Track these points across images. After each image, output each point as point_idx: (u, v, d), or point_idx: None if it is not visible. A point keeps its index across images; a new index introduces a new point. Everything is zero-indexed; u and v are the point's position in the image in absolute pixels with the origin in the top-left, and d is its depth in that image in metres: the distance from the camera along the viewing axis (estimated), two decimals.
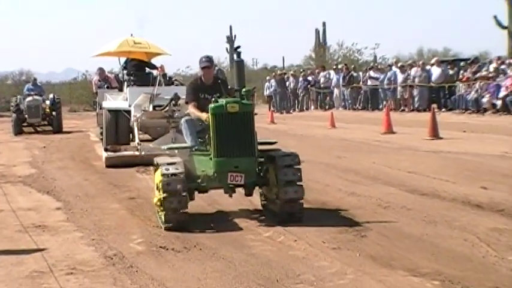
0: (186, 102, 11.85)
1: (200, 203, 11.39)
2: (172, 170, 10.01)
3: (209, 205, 11.85)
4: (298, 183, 10.27)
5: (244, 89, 10.96)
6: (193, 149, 10.92)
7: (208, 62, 11.51)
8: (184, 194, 10.06)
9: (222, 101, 10.46)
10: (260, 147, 10.96)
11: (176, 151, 11.27)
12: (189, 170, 10.48)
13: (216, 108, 10.36)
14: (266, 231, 10.06)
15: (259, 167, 10.90)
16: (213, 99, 10.61)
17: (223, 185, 10.59)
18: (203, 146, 10.95)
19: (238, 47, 11.58)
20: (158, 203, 10.39)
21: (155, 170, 10.87)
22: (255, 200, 11.58)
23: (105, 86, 25.03)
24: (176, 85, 21.59)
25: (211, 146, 10.39)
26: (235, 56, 11.54)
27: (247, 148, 10.43)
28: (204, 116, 10.76)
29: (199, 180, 10.60)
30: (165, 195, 9.93)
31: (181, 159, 10.53)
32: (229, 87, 12.06)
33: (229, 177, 10.32)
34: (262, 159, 10.84)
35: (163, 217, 10.23)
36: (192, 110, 11.29)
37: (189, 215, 10.35)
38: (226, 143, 10.32)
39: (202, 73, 11.60)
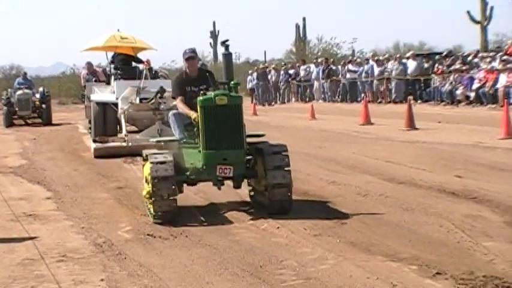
0: (173, 97, 11.59)
1: (187, 193, 11.28)
2: (160, 158, 9.82)
3: (195, 194, 11.81)
4: (285, 168, 10.03)
5: (232, 82, 10.71)
6: (182, 142, 10.65)
7: (192, 53, 11.20)
8: (172, 180, 9.83)
9: (211, 94, 10.17)
10: (248, 139, 10.68)
11: (163, 144, 11.19)
12: (178, 163, 10.21)
13: (204, 101, 10.08)
14: (249, 219, 10.08)
15: (248, 160, 10.64)
16: (201, 92, 10.33)
17: (212, 178, 10.33)
18: (191, 138, 10.60)
19: (227, 40, 11.14)
20: (147, 196, 10.12)
21: (144, 163, 10.64)
22: (240, 191, 11.35)
23: (93, 79, 25.01)
24: (162, 78, 21.75)
25: (200, 139, 10.09)
26: (223, 49, 11.14)
27: (236, 140, 10.14)
28: (192, 115, 10.38)
29: (188, 173, 10.39)
30: (154, 181, 9.67)
31: (170, 154, 10.17)
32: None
33: (218, 170, 10.04)
34: (250, 152, 10.55)
35: (152, 209, 9.96)
36: (180, 105, 10.92)
37: (178, 207, 10.07)
38: (215, 136, 10.02)
39: (186, 65, 11.24)
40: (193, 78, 11.06)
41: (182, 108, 10.78)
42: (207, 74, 11.26)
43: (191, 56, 11.12)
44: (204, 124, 10.00)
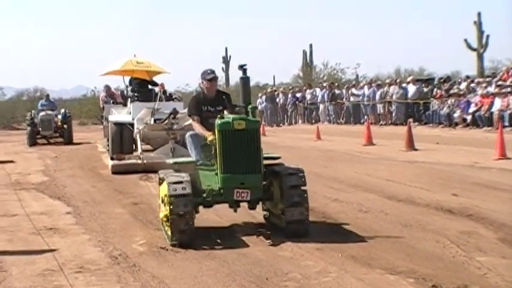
0: (189, 115, 11.03)
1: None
2: (179, 190, 9.14)
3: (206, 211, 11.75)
4: (304, 204, 9.50)
5: (250, 106, 10.10)
6: (198, 164, 10.06)
7: (213, 74, 10.68)
8: (191, 215, 9.29)
9: (229, 118, 9.59)
10: (264, 162, 10.00)
11: (178, 165, 10.53)
12: (195, 184, 9.58)
13: (222, 125, 9.48)
14: (256, 233, 10.07)
15: (264, 183, 9.97)
16: (219, 115, 9.75)
17: (229, 201, 9.78)
18: (207, 160, 9.97)
19: (245, 64, 10.39)
20: (165, 219, 9.63)
21: (160, 183, 10.21)
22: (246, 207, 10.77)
23: (111, 101, 25.48)
24: (175, 101, 22.03)
25: (218, 162, 9.52)
26: (241, 73, 10.40)
27: (254, 165, 9.53)
28: (209, 136, 9.81)
29: (204, 195, 9.70)
30: (172, 216, 9.11)
31: (187, 175, 9.57)
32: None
33: (235, 194, 9.49)
34: (266, 174, 9.90)
35: (169, 231, 9.39)
36: (195, 125, 10.42)
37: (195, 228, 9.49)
38: (233, 160, 9.43)
39: (206, 85, 10.60)
40: (211, 98, 10.58)
41: (198, 128, 10.32)
42: (224, 96, 10.75)
43: (213, 78, 10.68)
44: (222, 148, 9.46)
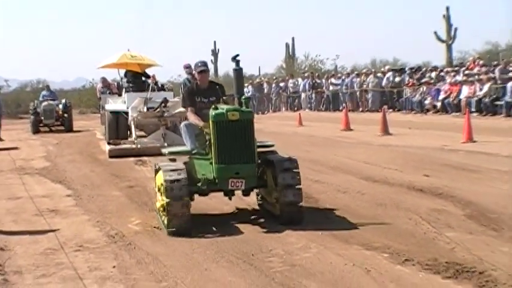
0: (184, 107, 10.68)
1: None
2: (175, 176, 8.70)
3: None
4: (297, 186, 8.96)
5: (243, 97, 9.62)
6: (193, 153, 9.62)
7: (204, 66, 10.23)
8: (186, 199, 8.78)
9: (223, 109, 9.10)
10: (258, 149, 9.54)
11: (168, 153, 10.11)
12: (190, 173, 9.09)
13: (217, 116, 8.98)
14: (244, 214, 10.06)
15: (258, 170, 9.48)
16: (213, 106, 9.26)
17: (224, 189, 9.32)
18: (202, 149, 9.58)
19: (237, 55, 9.87)
20: (161, 209, 9.18)
21: (156, 172, 9.75)
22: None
23: (108, 92, 25.74)
24: (166, 91, 22.41)
25: (212, 153, 9.07)
26: (234, 65, 9.88)
27: (248, 155, 9.04)
28: (201, 124, 9.58)
29: (199, 184, 9.20)
30: (168, 200, 8.63)
31: (182, 164, 9.21)
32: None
33: (230, 183, 9.03)
34: (259, 162, 9.44)
35: (166, 221, 8.93)
36: (190, 115, 9.97)
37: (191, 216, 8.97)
38: (227, 150, 8.96)
39: (198, 77, 10.28)
40: (204, 89, 10.13)
41: (192, 118, 9.89)
42: (217, 86, 10.38)
43: (203, 70, 10.21)
44: (216, 139, 8.98)
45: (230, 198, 9.80)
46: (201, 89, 10.12)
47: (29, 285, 7.11)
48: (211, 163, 9.17)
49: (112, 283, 7.04)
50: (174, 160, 9.50)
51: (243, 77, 10.23)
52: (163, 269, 7.41)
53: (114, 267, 7.62)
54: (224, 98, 10.05)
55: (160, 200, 9.17)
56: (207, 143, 9.36)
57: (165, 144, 17.64)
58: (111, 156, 18.99)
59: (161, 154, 17.16)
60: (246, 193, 9.73)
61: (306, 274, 7.04)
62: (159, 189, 9.37)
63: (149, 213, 10.54)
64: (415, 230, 8.70)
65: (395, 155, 16.29)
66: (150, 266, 7.56)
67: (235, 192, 9.68)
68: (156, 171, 9.66)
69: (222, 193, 9.56)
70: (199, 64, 10.27)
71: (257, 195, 10.16)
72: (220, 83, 10.73)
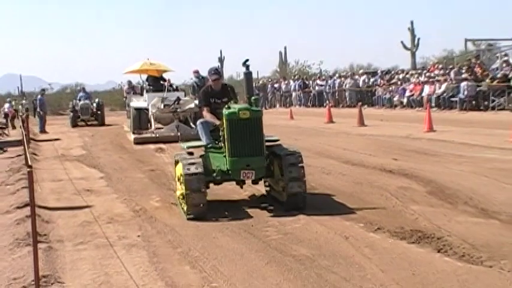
0: (199, 107, 10.15)
1: None
2: (193, 169, 8.27)
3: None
4: (301, 179, 8.47)
5: (253, 97, 8.94)
6: (209, 147, 9.03)
7: (217, 75, 9.55)
8: (203, 190, 8.32)
9: (235, 108, 8.61)
10: (265, 143, 8.99)
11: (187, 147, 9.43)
12: (206, 165, 8.61)
13: (230, 115, 8.50)
14: (245, 191, 10.03)
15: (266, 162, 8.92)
16: (226, 105, 8.77)
17: (236, 180, 8.84)
18: (216, 144, 9.05)
19: (247, 60, 9.21)
20: (181, 197, 8.74)
21: (176, 164, 9.25)
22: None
23: (132, 92, 26.34)
24: (179, 91, 23.08)
25: (226, 147, 8.56)
26: (244, 69, 9.17)
27: (258, 149, 8.54)
28: (216, 122, 9.00)
29: (214, 174, 8.67)
30: (187, 192, 8.19)
31: (199, 157, 8.79)
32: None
33: (242, 174, 8.52)
34: (267, 155, 8.87)
35: (185, 209, 8.47)
36: (205, 114, 9.35)
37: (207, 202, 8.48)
38: (239, 145, 8.45)
39: (212, 82, 9.56)
40: (217, 91, 9.46)
41: (208, 117, 9.26)
42: (229, 88, 9.74)
43: (216, 78, 9.51)
44: (229, 134, 8.48)
45: (241, 187, 9.38)
46: (215, 91, 9.50)
47: (69, 251, 7.13)
48: (224, 156, 8.68)
49: (137, 249, 7.05)
50: (191, 153, 9.02)
51: (252, 79, 9.62)
52: (178, 238, 7.42)
53: (138, 236, 7.64)
54: (233, 100, 9.28)
55: (180, 189, 8.79)
56: (221, 138, 8.90)
57: (178, 133, 18.60)
58: (135, 143, 19.66)
59: (175, 141, 17.40)
60: (255, 182, 9.21)
61: (296, 241, 7.06)
62: (178, 179, 8.98)
63: (167, 191, 10.54)
64: (385, 204, 8.70)
65: (369, 143, 16.30)
66: (168, 235, 7.58)
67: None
68: (176, 162, 9.25)
69: (234, 182, 9.08)
70: (213, 72, 9.65)
71: (265, 183, 9.52)
72: (232, 85, 10.34)
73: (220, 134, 8.92)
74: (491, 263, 5.87)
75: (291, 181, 8.38)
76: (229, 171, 8.59)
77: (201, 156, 8.89)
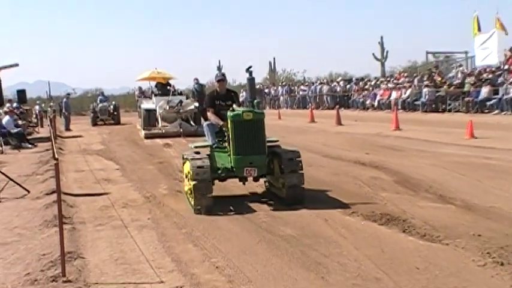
0: (204, 109, 9.47)
1: None
2: (200, 163, 7.79)
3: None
4: (299, 171, 7.95)
5: (255, 101, 8.60)
6: (214, 147, 8.57)
7: (222, 76, 9.07)
8: (209, 181, 7.79)
9: (239, 111, 8.12)
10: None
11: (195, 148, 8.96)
12: (211, 163, 8.11)
13: (234, 116, 8.00)
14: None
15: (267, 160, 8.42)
16: (230, 108, 8.27)
17: (240, 176, 8.25)
18: (220, 144, 8.59)
19: (250, 67, 8.82)
20: (189, 192, 8.19)
21: (184, 163, 8.73)
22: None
23: (142, 96, 26.19)
24: (182, 95, 23.76)
25: (231, 146, 8.05)
26: (247, 75, 8.80)
27: (260, 148, 8.02)
28: (220, 123, 8.51)
29: (219, 171, 8.25)
30: (194, 182, 7.65)
31: (205, 155, 8.29)
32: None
33: (245, 171, 7.99)
34: (268, 154, 8.32)
35: (193, 202, 7.93)
36: (211, 116, 8.81)
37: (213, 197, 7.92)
38: (243, 144, 7.94)
39: (217, 85, 9.11)
40: (222, 95, 8.93)
41: (213, 119, 8.73)
42: (232, 93, 9.21)
43: (221, 79, 9.02)
44: (234, 134, 7.97)
45: (244, 184, 8.68)
46: (220, 94, 8.95)
47: (90, 231, 7.11)
48: (229, 155, 8.18)
49: (147, 230, 7.04)
50: (198, 153, 8.49)
51: (255, 84, 9.19)
52: (183, 220, 7.41)
53: (148, 218, 7.63)
54: (234, 105, 8.65)
55: (188, 185, 8.22)
56: (226, 138, 8.41)
57: (181, 130, 19.76)
58: (145, 138, 20.23)
59: (178, 136, 18.17)
60: (256, 179, 8.57)
61: (283, 223, 7.05)
62: (186, 176, 8.45)
63: (173, 181, 10.52)
64: (359, 191, 8.72)
65: (345, 139, 16.32)
66: (174, 218, 7.56)
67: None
68: (184, 161, 8.71)
69: (237, 179, 8.48)
70: (219, 75, 9.20)
71: (264, 181, 9.06)
72: (235, 91, 10.03)
73: (225, 134, 8.45)
74: (448, 241, 5.90)
75: (290, 174, 7.90)
76: (234, 169, 8.09)
77: (207, 155, 8.40)
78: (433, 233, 6.21)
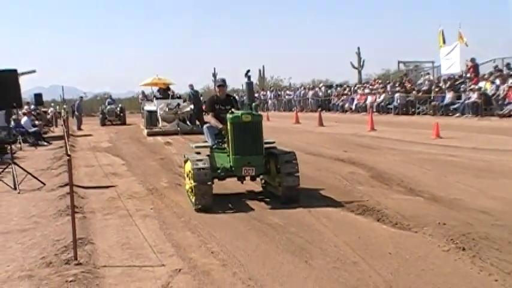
0: (206, 112, 8.78)
1: None
2: (201, 165, 7.26)
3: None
4: (295, 174, 7.50)
5: (254, 104, 8.09)
6: (213, 148, 8.15)
7: (222, 82, 8.59)
8: (209, 182, 7.27)
9: (238, 113, 7.72)
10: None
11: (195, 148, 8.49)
12: (211, 163, 7.64)
13: (234, 118, 7.60)
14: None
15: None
16: (230, 111, 7.88)
17: (238, 176, 7.79)
18: (220, 145, 8.14)
19: (248, 71, 8.27)
20: (190, 190, 7.73)
21: (185, 162, 8.28)
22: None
23: (145, 99, 26.23)
24: (180, 98, 24.12)
25: (230, 147, 7.64)
26: (246, 79, 8.25)
27: (257, 148, 7.59)
28: (220, 126, 8.06)
29: (218, 171, 7.79)
30: (195, 183, 7.20)
31: (205, 156, 7.83)
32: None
33: (243, 171, 7.56)
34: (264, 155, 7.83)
35: (193, 200, 7.45)
36: (211, 119, 8.36)
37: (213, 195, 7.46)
38: (242, 145, 7.54)
39: (217, 90, 8.65)
40: (222, 99, 8.47)
41: (213, 122, 8.26)
42: (232, 98, 8.74)
43: (221, 84, 8.57)
44: (233, 135, 7.56)
45: (242, 182, 8.16)
46: (220, 99, 8.50)
47: (99, 219, 7.08)
48: (228, 155, 7.76)
49: (150, 219, 7.02)
50: (198, 153, 8.09)
51: (253, 88, 8.72)
52: (182, 210, 7.38)
53: (151, 208, 7.60)
54: (233, 109, 8.14)
55: (189, 184, 7.75)
56: (225, 139, 7.99)
57: (178, 128, 20.57)
58: (148, 135, 20.79)
59: (175, 134, 18.75)
60: (253, 179, 8.08)
61: (271, 213, 7.07)
62: (187, 175, 7.96)
63: (173, 175, 10.48)
64: (338, 184, 8.73)
65: (326, 139, 16.33)
66: (174, 208, 7.54)
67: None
68: (185, 161, 8.25)
69: (235, 178, 7.99)
70: (219, 80, 8.77)
71: (261, 180, 8.52)
72: (234, 96, 9.68)
73: (224, 135, 8.03)
74: (417, 229, 5.92)
75: (287, 176, 7.43)
76: (232, 168, 7.66)
77: (207, 156, 7.95)
78: (403, 221, 6.23)
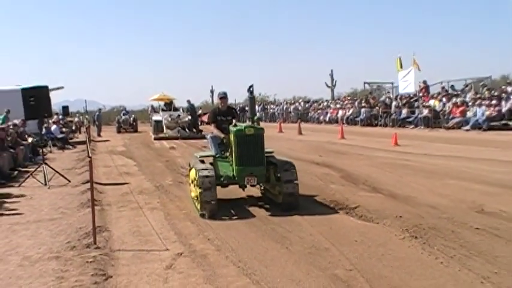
0: (208, 123, 8.36)
1: None
2: (205, 173, 6.56)
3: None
4: (294, 181, 6.72)
5: (255, 117, 7.35)
6: (217, 156, 7.33)
7: (223, 95, 7.80)
8: (214, 190, 6.49)
9: (241, 126, 6.97)
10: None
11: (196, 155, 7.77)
12: (215, 171, 6.82)
13: (237, 131, 6.86)
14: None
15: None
16: (233, 124, 7.26)
17: (240, 184, 7.05)
18: (222, 154, 7.36)
19: (251, 86, 7.42)
20: (195, 198, 6.99)
21: (190, 169, 7.56)
22: None
23: (153, 111, 26.79)
24: (180, 110, 25.02)
25: (233, 158, 6.89)
26: (248, 93, 7.40)
27: (259, 159, 6.83)
28: (221, 136, 7.47)
29: (222, 179, 6.94)
30: (200, 190, 6.44)
31: (210, 164, 7.10)
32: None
33: (246, 180, 6.85)
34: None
35: (198, 206, 6.70)
36: (213, 129, 7.66)
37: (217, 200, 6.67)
38: (245, 156, 6.78)
39: (219, 102, 7.84)
40: (224, 111, 7.75)
41: (216, 132, 7.62)
42: (233, 109, 8.10)
43: (223, 96, 7.78)
44: (236, 147, 6.80)
45: (243, 189, 7.46)
46: (222, 110, 7.78)
47: (114, 211, 7.05)
48: (231, 165, 7.04)
49: (157, 211, 6.99)
50: (203, 161, 7.36)
51: (255, 102, 7.83)
52: (183, 204, 7.36)
53: (158, 202, 7.58)
54: (234, 120, 7.57)
55: (194, 191, 7.04)
56: (227, 149, 7.31)
57: (179, 134, 21.66)
58: (154, 139, 21.47)
59: (176, 138, 19.21)
60: (253, 185, 7.23)
61: (258, 207, 7.06)
62: (192, 182, 7.23)
63: (176, 175, 10.44)
64: (314, 184, 8.72)
65: (305, 145, 16.33)
66: (177, 202, 7.52)
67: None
68: (190, 169, 7.53)
69: (237, 186, 7.19)
70: (221, 93, 7.91)
71: (260, 186, 7.74)
72: (235, 107, 8.90)
73: (226, 145, 7.43)
74: (378, 221, 5.95)
75: (286, 183, 6.69)
76: (235, 177, 6.91)
77: (210, 164, 7.23)
78: (367, 215, 6.26)
